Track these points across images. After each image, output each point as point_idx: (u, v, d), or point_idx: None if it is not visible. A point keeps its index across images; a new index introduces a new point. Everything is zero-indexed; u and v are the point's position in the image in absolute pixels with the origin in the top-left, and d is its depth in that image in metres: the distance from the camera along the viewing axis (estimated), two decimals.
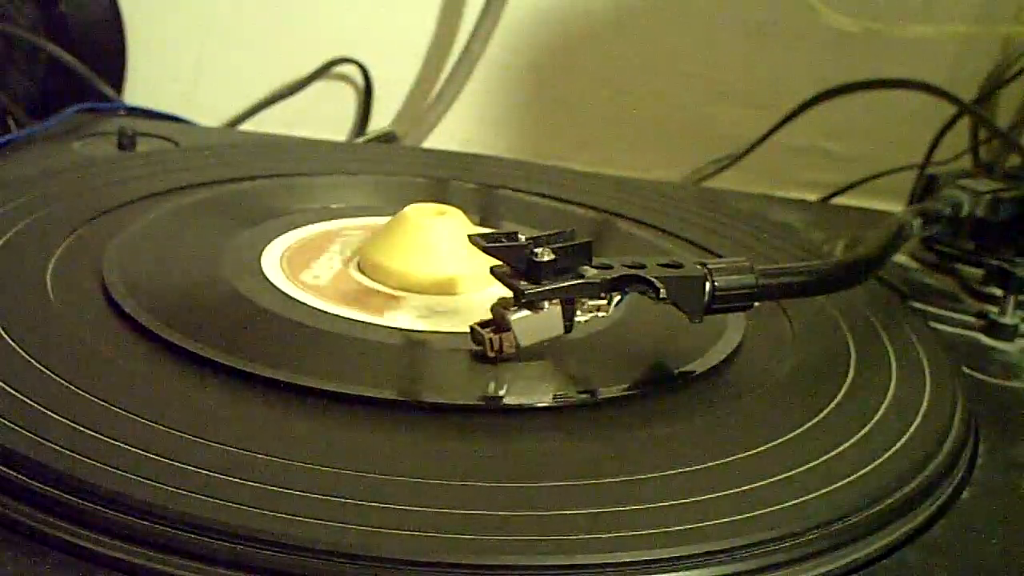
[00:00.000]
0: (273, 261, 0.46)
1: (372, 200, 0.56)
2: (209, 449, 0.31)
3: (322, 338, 0.40)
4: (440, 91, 0.84)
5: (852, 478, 0.34)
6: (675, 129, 0.86)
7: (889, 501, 0.33)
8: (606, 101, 0.86)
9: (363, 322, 0.42)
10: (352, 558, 0.28)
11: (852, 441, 0.36)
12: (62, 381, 0.34)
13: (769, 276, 0.40)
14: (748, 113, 0.83)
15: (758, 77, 0.84)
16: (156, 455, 0.31)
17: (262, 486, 0.30)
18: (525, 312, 0.38)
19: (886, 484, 0.34)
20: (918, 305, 0.51)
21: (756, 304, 0.40)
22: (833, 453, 0.35)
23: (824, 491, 0.33)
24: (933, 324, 0.49)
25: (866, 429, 0.37)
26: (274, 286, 0.44)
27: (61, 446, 0.30)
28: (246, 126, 0.86)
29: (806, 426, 0.37)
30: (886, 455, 0.35)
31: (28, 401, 0.33)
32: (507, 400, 0.37)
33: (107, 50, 0.81)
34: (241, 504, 0.29)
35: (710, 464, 0.34)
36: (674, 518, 0.30)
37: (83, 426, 0.32)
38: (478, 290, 0.45)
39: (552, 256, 0.37)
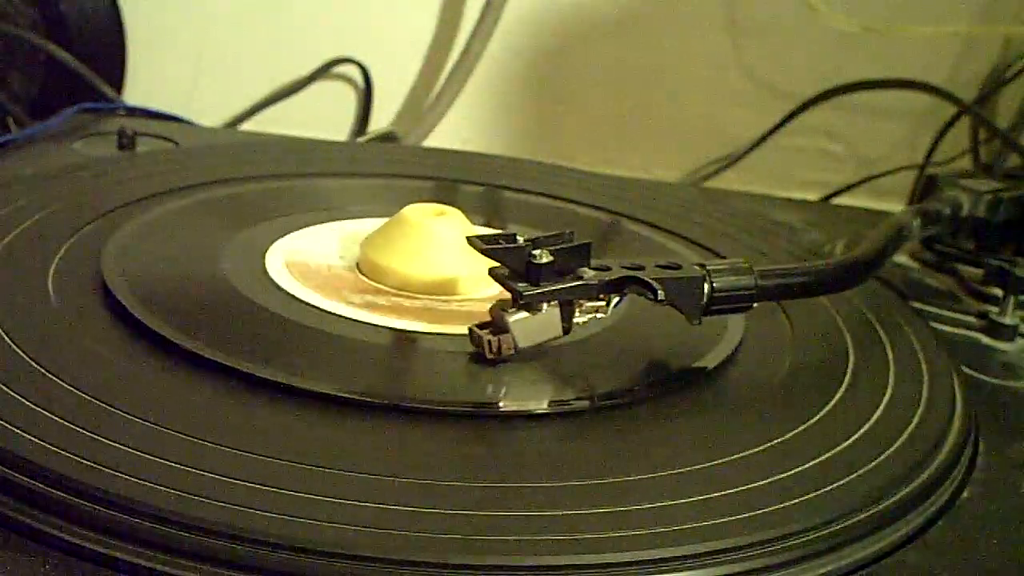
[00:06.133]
0: (273, 261, 0.46)
1: (372, 200, 0.56)
2: (209, 449, 0.31)
3: (322, 339, 0.40)
4: (440, 91, 0.84)
5: (852, 478, 0.34)
6: (675, 129, 0.86)
7: (889, 501, 0.33)
8: (606, 101, 0.86)
9: (362, 322, 0.42)
10: (351, 558, 0.28)
11: (852, 441, 0.36)
12: (62, 381, 0.34)
13: (768, 277, 0.40)
14: (748, 113, 0.83)
15: (758, 77, 0.84)
16: (156, 455, 0.31)
17: (261, 486, 0.30)
18: (523, 314, 0.38)
19: (886, 484, 0.34)
20: (918, 305, 0.51)
21: (755, 304, 0.40)
22: (833, 453, 0.35)
23: (824, 491, 0.33)
24: (933, 324, 0.49)
25: (865, 429, 0.37)
26: (274, 286, 0.44)
27: (61, 447, 0.30)
28: (246, 126, 0.86)
29: (805, 426, 0.37)
30: (886, 455, 0.35)
31: (28, 402, 0.33)
32: (506, 403, 0.37)
33: (107, 50, 0.81)
34: (241, 504, 0.29)
35: (710, 464, 0.34)
36: (674, 518, 0.30)
37: (83, 426, 0.32)
38: (477, 291, 0.45)
39: (550, 258, 0.37)
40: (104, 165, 0.57)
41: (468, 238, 0.39)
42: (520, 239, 0.38)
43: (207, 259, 0.46)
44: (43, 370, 0.35)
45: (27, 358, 0.35)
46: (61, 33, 0.77)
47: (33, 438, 0.31)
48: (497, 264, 0.39)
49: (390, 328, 0.42)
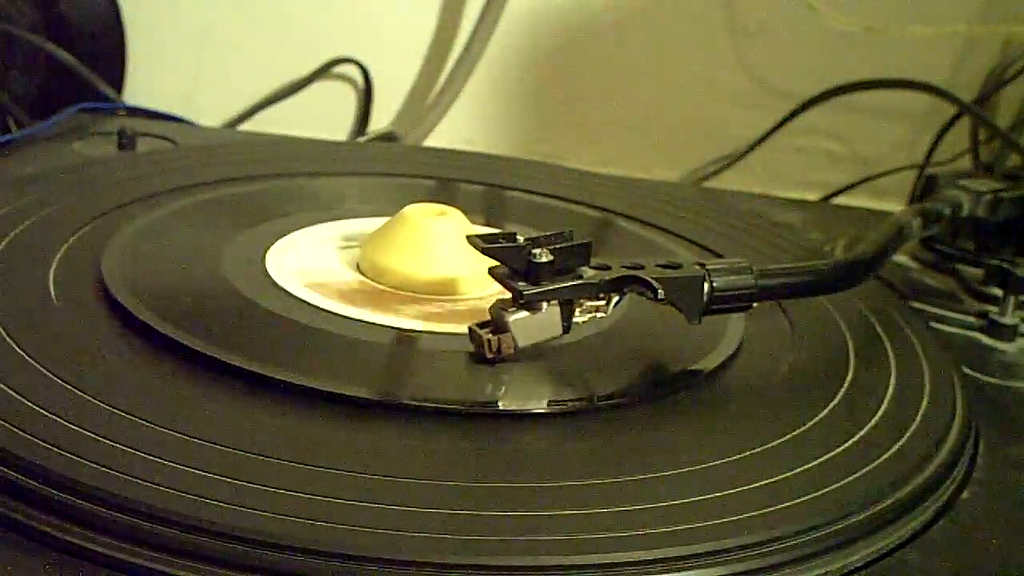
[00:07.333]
0: (273, 261, 0.46)
1: (372, 200, 0.56)
2: (209, 449, 0.31)
3: (322, 338, 0.40)
4: (440, 91, 0.84)
5: (852, 478, 0.34)
6: (675, 129, 0.86)
7: (889, 501, 0.33)
8: (606, 101, 0.86)
9: (362, 322, 0.42)
10: (351, 558, 0.28)
11: (852, 441, 0.36)
12: (62, 381, 0.34)
13: (768, 276, 0.40)
14: (748, 113, 0.83)
15: (758, 77, 0.84)
16: (155, 455, 0.31)
17: (261, 486, 0.30)
18: (523, 313, 0.38)
19: (886, 484, 0.34)
20: (918, 305, 0.51)
21: (755, 305, 0.40)
22: (833, 453, 0.35)
23: (824, 491, 0.33)
24: (933, 324, 0.49)
25: (866, 429, 0.37)
26: (274, 286, 0.44)
27: (61, 446, 0.30)
28: (246, 126, 0.86)
29: (806, 426, 0.37)
30: (886, 455, 0.35)
31: (28, 401, 0.33)
32: (505, 402, 0.37)
33: (107, 50, 0.81)
34: (240, 504, 0.29)
35: (710, 464, 0.34)
36: (674, 518, 0.30)
37: (83, 426, 0.32)
38: (478, 291, 0.45)
39: (550, 257, 0.37)
40: (104, 165, 0.57)
41: (468, 237, 0.39)
42: (520, 238, 0.38)
43: (207, 259, 0.46)
44: (43, 369, 0.35)
45: (27, 357, 0.35)
46: (61, 33, 0.77)
47: (33, 438, 0.31)
48: (497, 263, 0.39)
49: (390, 328, 0.42)
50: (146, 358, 0.37)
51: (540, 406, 0.37)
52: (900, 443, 0.36)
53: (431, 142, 0.83)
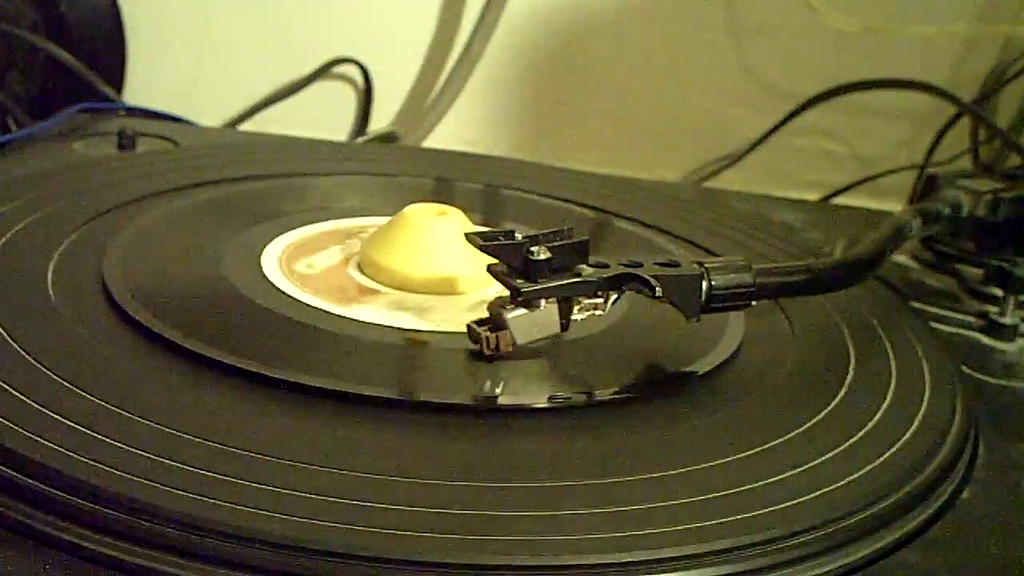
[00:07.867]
0: (273, 261, 0.46)
1: (372, 200, 0.56)
2: (208, 449, 0.31)
3: (321, 337, 0.40)
4: (440, 91, 0.84)
5: (852, 478, 0.34)
6: (675, 129, 0.86)
7: (889, 501, 0.33)
8: (606, 101, 0.86)
9: (362, 322, 0.42)
10: (350, 558, 0.28)
11: (852, 441, 0.36)
12: (62, 381, 0.34)
13: (766, 275, 0.40)
14: (748, 113, 0.83)
15: (758, 77, 0.84)
16: (155, 455, 0.31)
17: (261, 486, 0.30)
18: (522, 310, 0.38)
19: (886, 484, 0.34)
20: (918, 305, 0.51)
21: (754, 303, 0.40)
22: (833, 453, 0.35)
23: (824, 491, 0.33)
24: (933, 324, 0.49)
25: (866, 429, 0.37)
26: (274, 286, 0.44)
27: (61, 446, 0.30)
28: (246, 126, 0.86)
29: (806, 426, 0.37)
30: (886, 455, 0.35)
31: (28, 401, 0.33)
32: (504, 399, 0.37)
33: (107, 50, 0.81)
34: (239, 504, 0.29)
35: (710, 464, 0.34)
36: (674, 518, 0.30)
37: (83, 426, 0.32)
38: (478, 290, 0.45)
39: (549, 254, 0.37)
40: (104, 165, 0.57)
41: (467, 234, 0.39)
42: (518, 236, 0.38)
43: (207, 259, 0.46)
44: (41, 368, 0.35)
45: (26, 355, 0.35)
46: (61, 33, 0.77)
47: (32, 436, 0.31)
48: (495, 261, 0.39)
49: (390, 327, 0.42)
50: (146, 357, 0.37)
51: (539, 403, 0.37)
52: (900, 443, 0.36)
53: (431, 142, 0.84)
